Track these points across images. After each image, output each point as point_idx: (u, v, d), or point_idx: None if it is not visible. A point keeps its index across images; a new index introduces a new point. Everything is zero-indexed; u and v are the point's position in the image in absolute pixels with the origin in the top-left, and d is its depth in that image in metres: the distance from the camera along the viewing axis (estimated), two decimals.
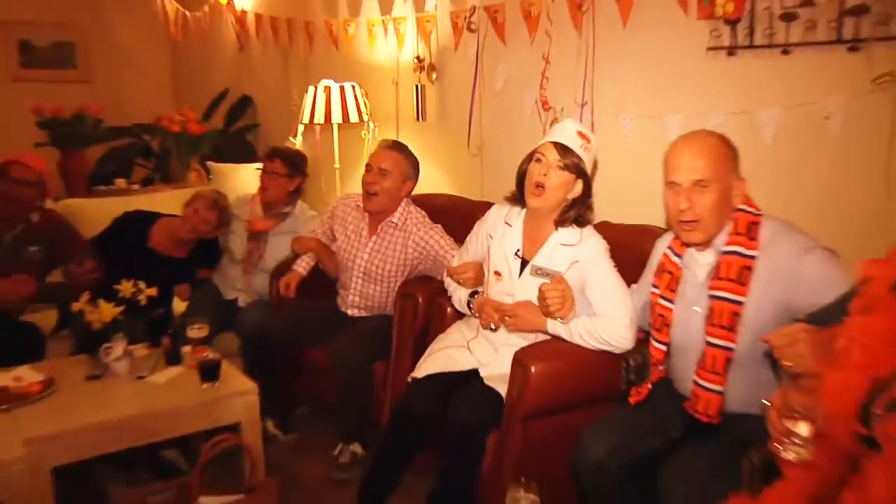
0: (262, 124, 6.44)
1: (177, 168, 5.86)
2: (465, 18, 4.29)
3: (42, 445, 2.78)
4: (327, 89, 4.87)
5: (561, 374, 2.96)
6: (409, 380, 3.23)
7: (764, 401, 1.89)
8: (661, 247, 2.77)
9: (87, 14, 7.23)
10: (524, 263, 3.09)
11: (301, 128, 5.21)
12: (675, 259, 2.65)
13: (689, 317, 2.58)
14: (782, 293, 2.35)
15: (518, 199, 3.11)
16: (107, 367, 3.33)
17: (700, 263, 2.56)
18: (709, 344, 2.46)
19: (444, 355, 3.23)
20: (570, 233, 3.03)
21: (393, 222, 3.86)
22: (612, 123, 3.69)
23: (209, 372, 3.23)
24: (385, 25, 4.89)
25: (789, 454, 1.77)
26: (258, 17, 6.01)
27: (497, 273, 3.15)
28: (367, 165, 3.87)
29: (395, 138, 4.43)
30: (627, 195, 3.68)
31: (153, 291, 3.64)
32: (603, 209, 3.49)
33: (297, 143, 5.28)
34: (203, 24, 6.59)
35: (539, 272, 3.02)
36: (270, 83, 6.23)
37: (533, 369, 2.87)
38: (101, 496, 3.28)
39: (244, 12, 6.17)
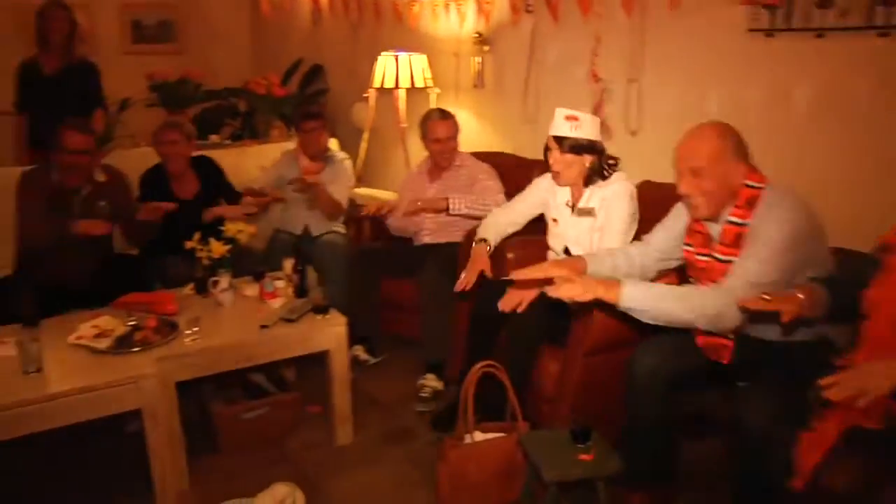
0: (331, 89, 5.98)
1: (261, 126, 5.49)
2: (524, 0, 3.92)
3: (169, 363, 2.65)
4: (396, 58, 4.50)
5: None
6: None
7: None
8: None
9: None
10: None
11: (373, 92, 4.82)
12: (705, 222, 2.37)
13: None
14: None
15: None
16: (215, 297, 3.10)
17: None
18: None
19: None
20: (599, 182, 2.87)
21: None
22: (658, 94, 3.39)
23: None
24: (447, 5, 4.49)
25: None
26: None
27: (554, 220, 3.02)
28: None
29: (446, 107, 3.98)
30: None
31: (253, 230, 3.40)
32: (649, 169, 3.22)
33: (372, 105, 4.93)
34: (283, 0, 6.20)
35: (581, 212, 2.90)
36: (340, 53, 5.77)
37: (595, 313, 2.62)
38: (204, 413, 3.07)
39: None
